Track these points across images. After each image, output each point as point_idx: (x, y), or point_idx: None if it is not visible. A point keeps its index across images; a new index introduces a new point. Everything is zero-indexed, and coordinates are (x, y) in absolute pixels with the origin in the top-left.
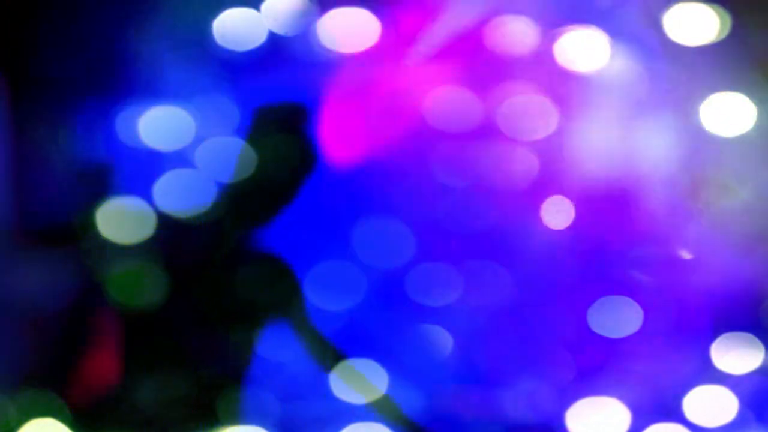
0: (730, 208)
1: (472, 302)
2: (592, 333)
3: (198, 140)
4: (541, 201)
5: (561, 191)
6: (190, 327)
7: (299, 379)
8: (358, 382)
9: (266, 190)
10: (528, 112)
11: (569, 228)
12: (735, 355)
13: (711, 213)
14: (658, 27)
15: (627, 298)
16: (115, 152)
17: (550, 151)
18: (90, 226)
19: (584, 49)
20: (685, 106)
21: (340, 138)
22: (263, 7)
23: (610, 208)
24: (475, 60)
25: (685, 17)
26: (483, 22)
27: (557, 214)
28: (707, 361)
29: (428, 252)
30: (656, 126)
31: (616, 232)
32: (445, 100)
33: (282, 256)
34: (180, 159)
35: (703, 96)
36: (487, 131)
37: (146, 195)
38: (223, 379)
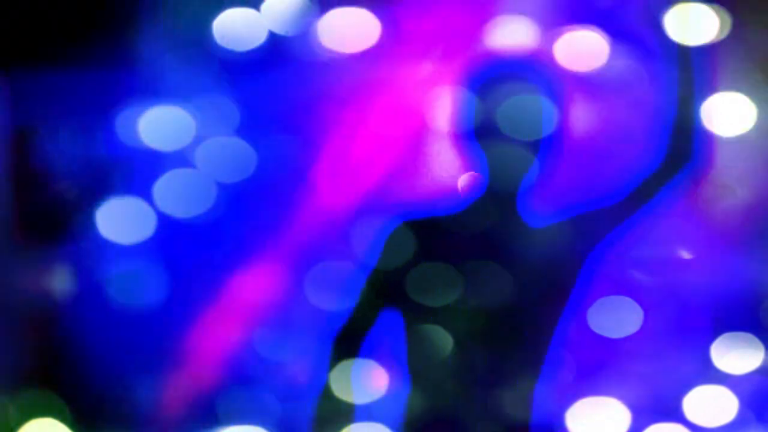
0: (730, 208)
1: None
2: (592, 333)
3: (198, 140)
4: (542, 201)
5: (561, 191)
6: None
7: (299, 379)
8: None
9: None
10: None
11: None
12: (735, 355)
13: (711, 213)
14: (658, 27)
15: (627, 298)
16: (115, 152)
17: (550, 150)
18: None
19: (584, 49)
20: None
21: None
22: (263, 7)
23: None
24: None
25: (685, 17)
26: (483, 22)
27: (468, 187)
28: (707, 361)
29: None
30: (656, 126)
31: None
32: (445, 100)
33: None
34: (180, 159)
35: (703, 96)
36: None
37: (146, 195)
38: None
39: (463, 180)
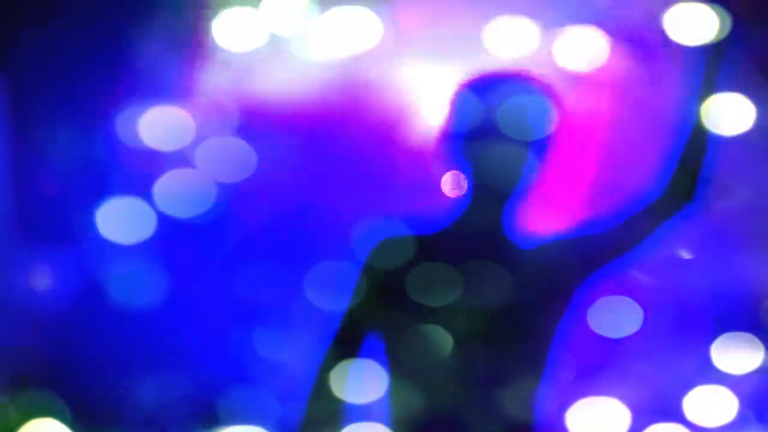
0: (730, 208)
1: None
2: (592, 333)
3: (198, 140)
4: (541, 201)
5: (561, 191)
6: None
7: (299, 379)
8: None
9: None
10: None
11: (570, 228)
12: (735, 355)
13: (711, 213)
14: (658, 27)
15: (627, 298)
16: (115, 152)
17: (550, 151)
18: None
19: (584, 49)
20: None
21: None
22: (263, 7)
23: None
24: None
25: (685, 17)
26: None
27: (452, 186)
28: (707, 361)
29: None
30: (656, 126)
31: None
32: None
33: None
34: (180, 159)
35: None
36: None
37: (146, 195)
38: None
39: (451, 181)
